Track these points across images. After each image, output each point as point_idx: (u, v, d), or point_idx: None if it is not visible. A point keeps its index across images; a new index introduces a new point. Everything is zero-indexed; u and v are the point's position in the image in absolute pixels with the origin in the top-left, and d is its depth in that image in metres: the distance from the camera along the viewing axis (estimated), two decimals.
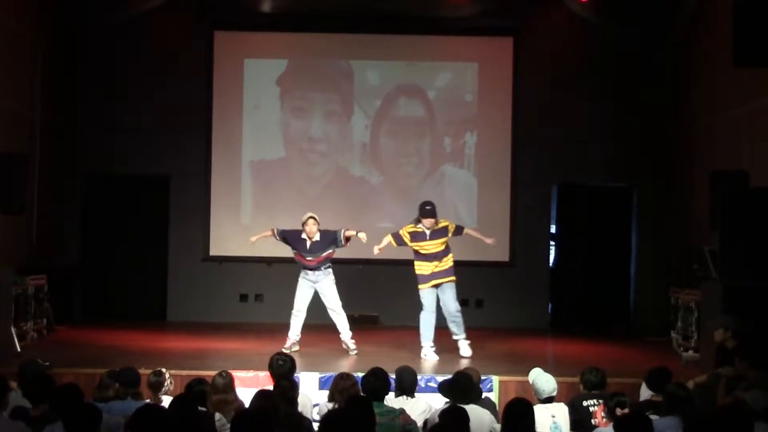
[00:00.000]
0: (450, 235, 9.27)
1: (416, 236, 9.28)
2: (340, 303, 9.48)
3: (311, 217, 9.39)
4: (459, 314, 9.26)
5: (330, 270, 9.51)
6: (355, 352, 9.38)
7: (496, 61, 12.65)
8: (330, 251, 9.43)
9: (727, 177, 9.10)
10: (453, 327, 9.28)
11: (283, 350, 9.14)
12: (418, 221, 9.30)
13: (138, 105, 12.38)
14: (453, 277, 9.25)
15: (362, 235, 9.40)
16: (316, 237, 9.38)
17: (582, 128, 12.50)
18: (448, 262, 9.26)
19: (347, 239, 9.45)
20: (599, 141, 12.50)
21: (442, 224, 9.30)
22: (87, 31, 12.12)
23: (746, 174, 8.99)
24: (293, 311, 9.50)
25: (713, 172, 9.58)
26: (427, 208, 9.24)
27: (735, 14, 7.32)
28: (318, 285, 9.46)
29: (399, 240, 9.38)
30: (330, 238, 9.41)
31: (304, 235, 9.39)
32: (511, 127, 12.59)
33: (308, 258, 9.39)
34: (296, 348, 9.32)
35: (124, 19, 11.87)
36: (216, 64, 12.56)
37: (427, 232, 9.23)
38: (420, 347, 9.24)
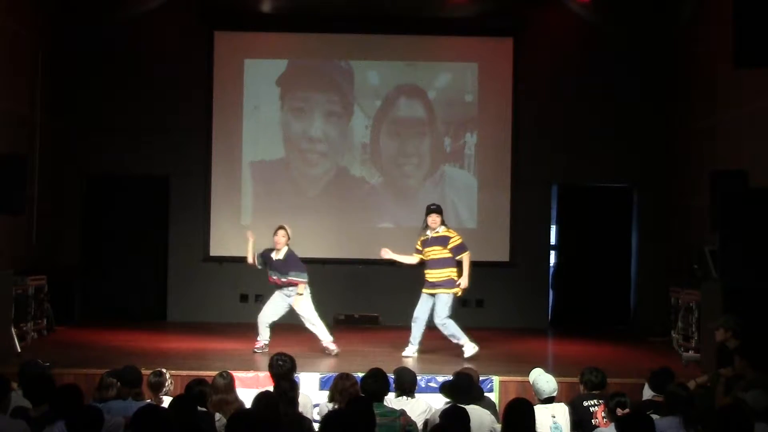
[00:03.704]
0: (449, 246, 9.22)
1: (424, 243, 9.33)
2: (315, 314, 9.35)
3: (281, 228, 9.33)
4: (443, 327, 9.19)
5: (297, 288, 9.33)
6: (335, 352, 9.27)
7: (496, 61, 12.65)
8: (299, 279, 9.25)
9: (727, 177, 9.09)
10: (446, 333, 9.26)
11: (255, 350, 9.27)
12: (425, 227, 9.35)
13: (138, 105, 12.38)
14: (451, 289, 9.21)
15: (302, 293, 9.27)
16: (282, 253, 9.30)
17: (582, 128, 12.50)
18: (447, 273, 9.22)
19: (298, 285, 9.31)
20: (599, 141, 12.50)
21: (444, 233, 9.28)
22: (87, 31, 12.11)
23: (746, 174, 8.98)
24: (261, 318, 9.41)
25: (713, 172, 9.57)
26: (432, 207, 9.35)
27: (735, 14, 7.32)
28: (291, 299, 9.37)
29: (417, 251, 9.43)
30: (296, 265, 9.28)
31: (274, 251, 9.34)
32: (511, 128, 12.60)
33: (276, 277, 9.32)
34: (266, 349, 9.29)
35: (124, 19, 11.87)
36: (216, 64, 12.56)
37: (430, 236, 9.27)
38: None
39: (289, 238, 9.36)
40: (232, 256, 12.44)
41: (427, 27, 12.56)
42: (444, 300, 9.21)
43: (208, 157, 12.52)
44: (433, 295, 9.27)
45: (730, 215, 8.13)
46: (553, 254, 12.93)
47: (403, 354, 9.24)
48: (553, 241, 12.91)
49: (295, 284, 9.28)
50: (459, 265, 9.33)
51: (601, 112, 12.49)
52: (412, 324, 9.35)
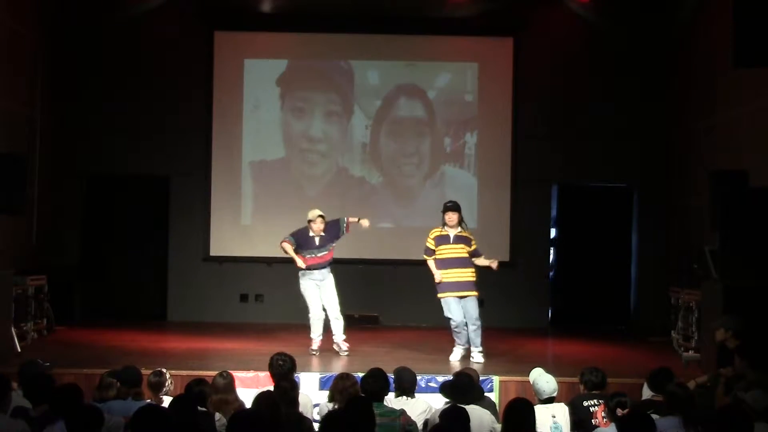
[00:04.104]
0: (470, 248, 9.13)
1: (440, 239, 9.14)
2: (338, 307, 9.35)
3: (321, 216, 9.31)
4: (479, 328, 9.07)
5: (330, 269, 9.43)
6: (347, 353, 9.27)
7: (496, 61, 12.65)
8: (334, 245, 9.38)
9: (727, 177, 9.09)
10: (473, 336, 9.08)
11: (311, 351, 9.20)
12: (443, 225, 9.20)
13: (138, 105, 12.38)
14: (476, 292, 9.15)
15: (365, 222, 9.40)
16: (322, 232, 9.32)
17: (582, 128, 12.51)
18: (473, 274, 9.13)
19: (348, 226, 9.44)
20: (599, 141, 12.50)
21: (467, 234, 9.20)
22: (87, 31, 12.12)
23: (746, 174, 8.99)
24: (313, 316, 9.27)
25: (713, 172, 9.58)
26: (448, 204, 9.22)
27: (735, 14, 7.33)
28: (323, 283, 9.32)
29: (429, 251, 9.20)
30: (335, 229, 9.37)
31: (311, 233, 9.30)
32: (511, 127, 12.59)
33: (319, 255, 9.25)
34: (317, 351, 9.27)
35: (124, 19, 11.87)
36: (216, 64, 12.56)
37: (451, 234, 9.12)
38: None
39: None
40: (232, 256, 12.48)
41: (427, 27, 12.56)
42: (476, 303, 9.11)
43: (208, 157, 12.52)
44: (461, 297, 9.07)
45: (730, 215, 8.15)
46: (552, 254, 12.93)
47: (453, 359, 9.05)
48: (552, 241, 12.91)
49: (330, 260, 9.32)
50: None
51: (601, 112, 12.49)
52: (465, 328, 9.05)
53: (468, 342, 9.11)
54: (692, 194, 11.24)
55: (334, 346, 9.34)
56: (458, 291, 9.08)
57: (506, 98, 12.60)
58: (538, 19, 12.40)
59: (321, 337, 9.33)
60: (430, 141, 12.69)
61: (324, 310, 9.33)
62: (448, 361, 8.98)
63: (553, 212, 12.85)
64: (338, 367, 8.48)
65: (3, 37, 10.19)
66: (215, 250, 12.52)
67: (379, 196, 12.66)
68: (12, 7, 10.45)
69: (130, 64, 12.40)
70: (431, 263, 9.19)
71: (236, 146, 12.60)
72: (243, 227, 12.60)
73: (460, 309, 9.06)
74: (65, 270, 11.84)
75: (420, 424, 5.81)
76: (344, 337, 9.36)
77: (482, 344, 9.11)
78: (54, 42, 11.69)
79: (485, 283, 12.23)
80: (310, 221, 9.30)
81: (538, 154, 12.50)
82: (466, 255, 9.13)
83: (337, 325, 9.34)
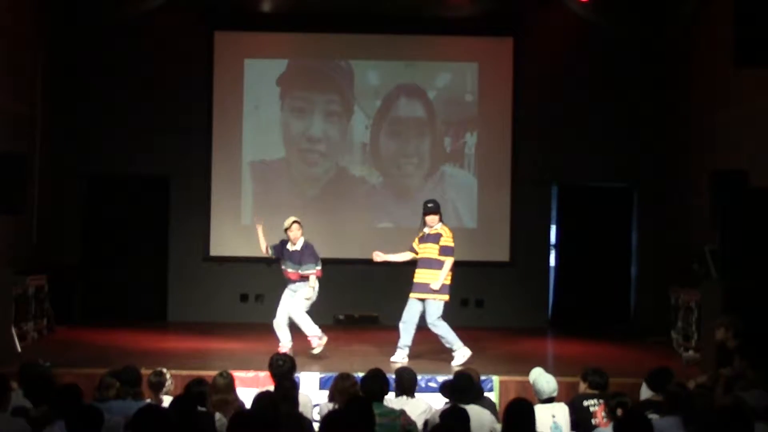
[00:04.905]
0: (439, 244, 8.82)
1: (420, 239, 9.03)
2: (303, 315, 8.95)
3: (295, 222, 9.02)
4: (434, 327, 8.82)
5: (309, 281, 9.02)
6: (316, 351, 8.98)
7: (496, 61, 12.65)
8: (308, 271, 8.96)
9: (727, 177, 9.09)
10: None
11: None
12: (422, 225, 9.06)
13: (138, 105, 12.38)
14: (443, 296, 8.82)
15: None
16: (298, 245, 9.02)
17: (582, 128, 12.51)
18: (436, 276, 8.79)
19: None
20: (599, 141, 12.50)
21: (439, 231, 8.88)
22: (87, 31, 12.11)
23: (746, 174, 8.99)
24: (276, 322, 9.07)
25: (713, 172, 9.57)
26: (429, 205, 9.01)
27: (735, 14, 7.33)
28: (295, 294, 9.05)
29: (413, 249, 9.11)
30: (310, 256, 8.98)
31: (289, 244, 9.07)
32: (511, 128, 12.60)
33: (291, 270, 8.98)
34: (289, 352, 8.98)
35: (124, 19, 11.87)
36: (216, 64, 12.56)
37: (426, 232, 8.97)
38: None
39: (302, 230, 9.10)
40: (232, 256, 12.48)
41: (427, 27, 12.56)
42: (435, 305, 8.83)
43: (208, 157, 12.52)
44: (422, 300, 8.89)
45: (730, 215, 8.15)
46: (553, 254, 12.93)
47: (392, 359, 8.84)
48: (553, 241, 12.91)
49: (306, 278, 8.99)
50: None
51: (601, 111, 12.49)
52: (401, 328, 8.94)
53: (408, 344, 8.90)
54: (692, 194, 11.24)
55: (310, 345, 9.06)
56: (418, 292, 8.89)
57: (506, 98, 12.61)
58: (538, 19, 12.41)
59: (289, 344, 9.03)
60: (430, 141, 12.69)
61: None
62: (448, 361, 8.94)
63: (554, 212, 12.85)
64: (338, 367, 8.46)
65: (3, 37, 10.19)
66: (215, 250, 12.52)
67: (379, 196, 12.66)
68: (12, 7, 10.45)
69: (130, 64, 12.39)
70: (404, 256, 9.16)
71: (236, 146, 12.60)
72: (243, 227, 12.58)
73: (415, 310, 8.89)
74: (65, 270, 11.83)
75: (420, 424, 5.81)
76: (316, 334, 9.02)
77: (457, 341, 8.83)
78: (54, 42, 11.69)
79: (485, 283, 12.32)
80: (285, 230, 9.03)
81: (538, 154, 12.50)
82: (433, 254, 8.84)
83: (301, 327, 9.01)
